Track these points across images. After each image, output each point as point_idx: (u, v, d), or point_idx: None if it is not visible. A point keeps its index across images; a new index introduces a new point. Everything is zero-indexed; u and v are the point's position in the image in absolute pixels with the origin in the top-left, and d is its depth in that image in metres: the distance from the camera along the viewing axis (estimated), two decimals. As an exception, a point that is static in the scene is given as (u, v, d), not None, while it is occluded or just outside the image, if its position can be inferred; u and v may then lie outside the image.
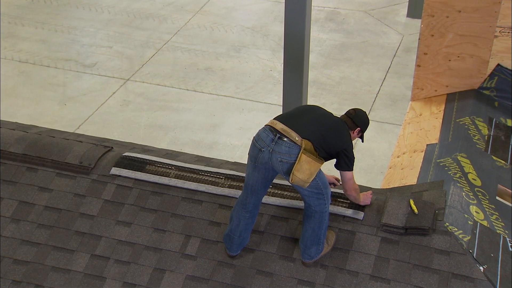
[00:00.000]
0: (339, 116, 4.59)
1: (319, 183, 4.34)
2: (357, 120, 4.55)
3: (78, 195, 5.02)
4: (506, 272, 4.38)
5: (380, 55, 12.85)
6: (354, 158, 4.47)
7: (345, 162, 4.42)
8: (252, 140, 4.36)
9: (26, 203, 5.03)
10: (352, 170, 4.48)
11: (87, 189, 5.05)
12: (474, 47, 6.36)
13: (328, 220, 4.49)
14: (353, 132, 4.54)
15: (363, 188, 5.07)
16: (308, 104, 4.65)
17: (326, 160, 4.41)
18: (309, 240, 4.45)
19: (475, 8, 6.16)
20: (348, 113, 4.59)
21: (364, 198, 4.73)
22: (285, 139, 4.23)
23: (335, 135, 4.38)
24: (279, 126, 4.29)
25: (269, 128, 4.31)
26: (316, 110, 4.52)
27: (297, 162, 4.17)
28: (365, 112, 4.68)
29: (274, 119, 4.39)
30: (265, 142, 4.27)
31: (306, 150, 4.20)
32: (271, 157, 4.26)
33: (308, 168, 4.19)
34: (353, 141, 4.58)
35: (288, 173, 4.23)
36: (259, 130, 4.36)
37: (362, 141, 4.71)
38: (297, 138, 4.22)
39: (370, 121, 4.71)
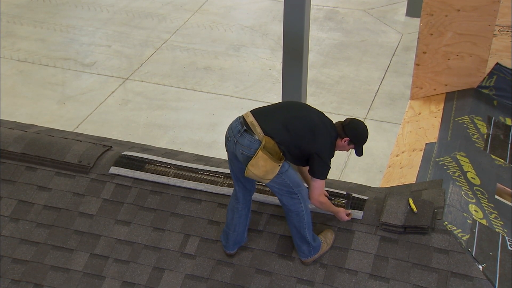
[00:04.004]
0: (333, 121, 4.45)
1: (287, 182, 4.30)
2: (347, 129, 4.36)
3: (77, 194, 5.02)
4: (505, 270, 4.39)
5: (379, 54, 12.85)
6: (328, 166, 4.31)
7: (316, 167, 4.29)
8: (227, 129, 4.39)
9: (25, 202, 5.03)
10: (323, 179, 4.34)
11: (86, 188, 5.05)
12: (473, 46, 6.35)
13: (310, 219, 4.43)
14: (341, 141, 4.38)
15: (362, 187, 5.07)
16: (297, 101, 4.54)
17: (300, 164, 4.35)
18: (297, 238, 4.46)
19: (474, 7, 6.16)
20: (344, 120, 4.44)
21: (340, 213, 4.58)
22: (250, 132, 4.22)
23: (309, 137, 4.26)
24: (250, 119, 4.28)
25: (241, 120, 4.31)
26: (298, 109, 4.41)
27: (253, 157, 4.16)
28: (364, 125, 4.46)
29: (250, 110, 4.37)
30: (233, 133, 4.30)
31: (266, 147, 4.16)
32: (236, 148, 4.28)
33: (263, 165, 4.15)
34: (343, 151, 4.45)
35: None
36: (233, 120, 4.38)
37: (357, 154, 4.48)
38: (260, 134, 4.20)
39: (367, 135, 4.44)
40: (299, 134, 4.26)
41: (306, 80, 8.60)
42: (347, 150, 4.48)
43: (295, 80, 8.41)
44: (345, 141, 4.38)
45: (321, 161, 4.29)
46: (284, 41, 8.21)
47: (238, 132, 4.26)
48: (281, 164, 4.20)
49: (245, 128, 4.24)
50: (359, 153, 4.47)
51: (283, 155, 4.23)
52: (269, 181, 4.25)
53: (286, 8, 7.99)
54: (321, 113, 4.45)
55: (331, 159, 4.37)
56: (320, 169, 4.31)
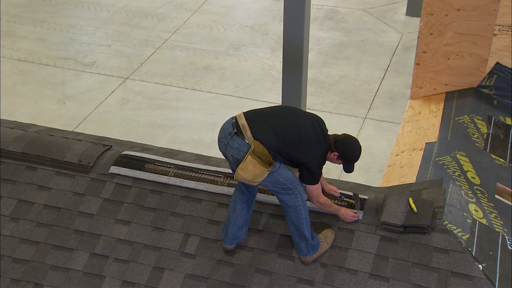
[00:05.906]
0: (328, 131, 4.41)
1: (280, 179, 4.30)
2: (339, 144, 4.34)
3: (77, 194, 5.02)
4: (505, 270, 4.39)
5: (379, 53, 12.85)
6: (318, 174, 4.34)
7: (305, 175, 4.34)
8: (220, 129, 4.38)
9: (25, 202, 5.03)
10: (315, 184, 4.38)
11: (86, 187, 5.05)
12: (473, 46, 6.35)
13: (307, 215, 4.45)
14: (331, 154, 4.37)
15: (362, 187, 5.07)
16: (294, 107, 4.54)
17: (290, 166, 4.35)
18: (295, 235, 4.46)
19: (474, 6, 6.16)
20: (340, 134, 4.41)
21: (344, 213, 4.58)
22: (240, 135, 4.23)
23: (298, 147, 4.26)
24: (242, 121, 4.27)
25: (233, 121, 4.31)
26: (292, 117, 4.37)
27: (243, 161, 4.17)
28: (357, 144, 4.40)
29: (243, 112, 4.35)
30: (224, 134, 4.32)
31: (255, 152, 4.16)
32: (226, 150, 4.31)
33: (252, 169, 4.16)
34: (333, 163, 4.43)
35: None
36: (227, 120, 4.38)
37: (345, 171, 4.44)
38: (250, 138, 4.20)
39: (358, 154, 4.38)
40: (289, 143, 4.25)
41: (306, 80, 8.60)
42: (338, 164, 4.45)
43: (295, 80, 8.41)
44: (334, 155, 4.37)
45: (310, 170, 4.32)
46: (284, 40, 8.21)
47: (229, 134, 4.28)
48: (270, 169, 4.20)
49: (236, 130, 4.25)
50: (347, 170, 4.43)
51: (273, 159, 4.23)
52: (258, 183, 4.26)
53: (286, 8, 7.99)
54: (318, 122, 4.39)
55: (323, 166, 4.38)
56: (309, 177, 4.36)
